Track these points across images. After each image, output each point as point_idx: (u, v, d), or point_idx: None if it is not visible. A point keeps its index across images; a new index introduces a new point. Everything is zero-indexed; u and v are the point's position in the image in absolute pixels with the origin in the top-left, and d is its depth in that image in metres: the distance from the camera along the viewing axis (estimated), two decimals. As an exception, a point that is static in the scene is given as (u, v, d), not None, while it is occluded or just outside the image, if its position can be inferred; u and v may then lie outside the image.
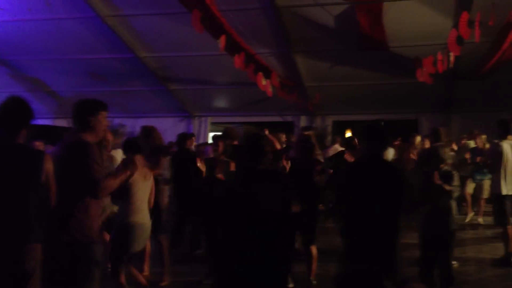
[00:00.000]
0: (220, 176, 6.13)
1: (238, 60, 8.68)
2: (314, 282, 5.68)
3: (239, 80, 11.86)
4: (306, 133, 6.32)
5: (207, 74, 12.51)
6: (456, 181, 4.98)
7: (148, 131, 6.33)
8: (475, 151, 9.46)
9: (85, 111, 3.64)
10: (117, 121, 14.62)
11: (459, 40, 7.11)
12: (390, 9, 8.90)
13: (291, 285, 5.51)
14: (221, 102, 14.69)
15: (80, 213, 3.44)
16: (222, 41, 7.82)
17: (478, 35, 6.63)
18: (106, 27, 10.29)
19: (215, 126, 15.63)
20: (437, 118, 13.45)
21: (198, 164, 6.92)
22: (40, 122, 14.49)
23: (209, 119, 14.95)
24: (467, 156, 9.58)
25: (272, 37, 10.46)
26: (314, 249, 5.66)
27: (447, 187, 4.87)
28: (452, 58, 7.69)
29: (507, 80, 11.34)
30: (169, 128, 14.02)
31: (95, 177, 3.42)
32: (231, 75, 11.78)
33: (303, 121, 14.33)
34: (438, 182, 4.84)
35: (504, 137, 6.79)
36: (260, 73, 9.79)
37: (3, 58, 12.00)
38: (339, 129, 15.03)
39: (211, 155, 6.99)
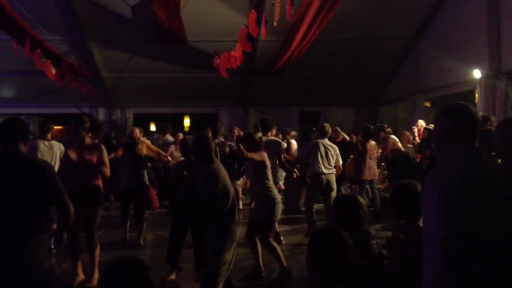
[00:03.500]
0: None
1: (16, 46, 7.86)
2: None
3: (27, 68, 10.79)
4: None
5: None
6: None
7: None
8: None
9: None
10: None
11: (249, 37, 7.39)
12: (187, 3, 8.91)
13: None
14: (7, 91, 13.23)
15: None
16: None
17: (265, 33, 6.95)
18: None
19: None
20: (236, 112, 14.03)
21: None
22: None
23: (-7, 110, 13.40)
24: None
25: (63, 24, 9.76)
26: None
27: None
28: (240, 54, 7.95)
29: (296, 78, 12.31)
30: None
31: None
32: (19, 61, 10.65)
33: (101, 113, 13.71)
34: None
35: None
36: (48, 61, 8.96)
37: None
38: (142, 122, 14.75)
39: None
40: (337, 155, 7.36)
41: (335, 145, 7.52)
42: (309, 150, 7.35)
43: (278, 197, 5.52)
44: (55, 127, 8.31)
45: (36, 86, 12.20)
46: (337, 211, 3.28)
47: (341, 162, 7.50)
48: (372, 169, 8.78)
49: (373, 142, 8.90)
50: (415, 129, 9.81)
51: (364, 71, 12.33)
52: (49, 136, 6.63)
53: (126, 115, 13.84)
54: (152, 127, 21.85)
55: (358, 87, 13.06)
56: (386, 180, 9.86)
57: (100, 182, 5.20)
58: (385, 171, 9.83)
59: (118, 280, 1.90)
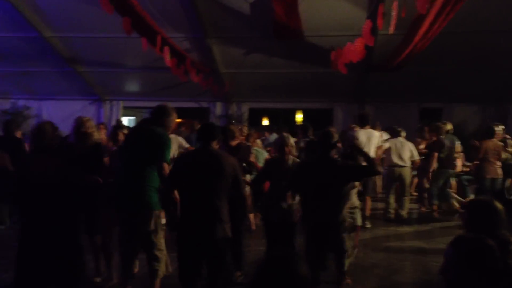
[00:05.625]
0: None
1: (145, 43, 8.33)
2: None
3: (152, 63, 11.44)
4: None
5: (119, 57, 11.95)
6: None
7: None
8: None
9: None
10: (21, 103, 13.79)
11: (373, 31, 7.22)
12: (305, -2, 8.90)
13: None
14: (133, 86, 14.16)
15: None
16: (125, 23, 7.44)
17: (393, 26, 6.73)
18: (8, 4, 9.53)
19: (127, 110, 15.09)
20: (351, 108, 13.78)
21: None
22: None
23: (121, 103, 14.40)
24: None
25: (186, 21, 10.16)
26: None
27: None
28: (362, 48, 7.80)
29: (417, 73, 11.80)
30: (78, 111, 13.35)
31: None
32: (144, 58, 11.32)
33: (219, 108, 14.18)
34: None
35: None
36: (175, 58, 9.51)
37: None
38: (256, 116, 15.03)
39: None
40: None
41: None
42: None
43: None
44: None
45: (158, 81, 12.93)
46: (471, 215, 3.12)
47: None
48: (493, 168, 8.78)
49: (496, 141, 8.90)
50: None
51: (493, 66, 11.47)
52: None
53: (241, 109, 14.20)
54: (265, 122, 22.21)
55: (485, 83, 12.16)
56: None
57: None
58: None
59: (270, 275, 1.96)
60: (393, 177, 9.35)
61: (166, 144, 4.59)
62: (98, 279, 5.59)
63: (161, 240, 4.79)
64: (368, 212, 8.71)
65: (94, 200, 5.22)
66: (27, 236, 4.07)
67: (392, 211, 9.39)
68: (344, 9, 9.68)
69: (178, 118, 16.79)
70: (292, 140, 5.57)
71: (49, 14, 10.18)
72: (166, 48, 8.80)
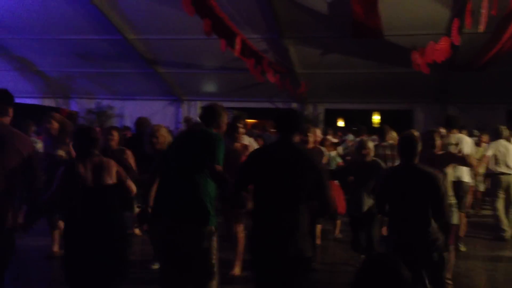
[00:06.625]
0: None
1: (224, 44, 8.44)
2: None
3: (229, 64, 11.64)
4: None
5: (197, 58, 12.24)
6: None
7: None
8: None
9: None
10: (105, 103, 14.43)
11: (460, 29, 6.93)
12: (385, -4, 8.67)
13: None
14: (210, 87, 14.44)
15: None
16: (206, 24, 7.57)
17: (484, 24, 6.41)
18: (94, 8, 9.99)
19: (204, 110, 15.36)
20: (432, 109, 13.30)
21: None
22: (28, 101, 14.30)
23: (199, 103, 14.71)
24: None
25: (263, 22, 10.21)
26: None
27: None
28: (447, 47, 7.51)
29: (504, 73, 11.18)
30: (157, 111, 13.84)
31: None
32: (221, 59, 11.52)
33: (294, 108, 14.14)
34: None
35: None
36: (253, 59, 9.59)
37: (-9, 37, 11.68)
38: (332, 117, 14.86)
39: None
40: None
41: None
42: None
43: None
44: (247, 120, 8.72)
45: (234, 81, 13.11)
46: None
47: None
48: None
49: None
50: None
51: None
52: None
53: (317, 110, 14.09)
54: (340, 123, 21.88)
55: None
56: None
57: None
58: None
59: (374, 277, 1.99)
60: (500, 187, 8.06)
61: (218, 145, 3.95)
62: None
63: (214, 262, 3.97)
64: (463, 232, 7.00)
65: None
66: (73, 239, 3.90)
67: (506, 228, 7.82)
68: (426, 7, 9.36)
69: (252, 119, 17.01)
70: (371, 143, 5.86)
71: (132, 18, 10.60)
72: (245, 49, 8.88)
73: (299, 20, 10.10)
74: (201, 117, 4.28)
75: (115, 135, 6.18)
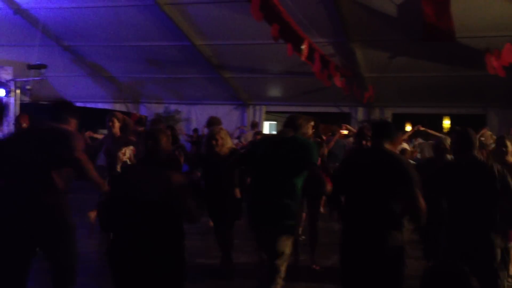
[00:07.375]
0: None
1: (291, 49, 8.41)
2: None
3: (294, 69, 11.61)
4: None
5: (263, 63, 12.30)
6: None
7: None
8: None
9: None
10: (173, 107, 14.80)
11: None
12: (459, -3, 8.37)
13: None
14: (276, 91, 14.50)
15: None
16: (274, 29, 7.57)
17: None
18: (164, 15, 10.24)
19: (270, 115, 15.47)
20: (508, 114, 12.71)
21: None
22: (100, 106, 14.89)
23: (264, 108, 14.78)
24: None
25: (330, 26, 10.09)
26: None
27: None
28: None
29: None
30: (223, 116, 14.00)
31: None
32: (287, 63, 11.53)
33: (360, 113, 13.92)
34: None
35: None
36: (320, 63, 9.52)
37: (66, 44, 12.20)
38: (399, 122, 14.51)
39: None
40: None
41: None
42: None
43: None
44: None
45: (299, 86, 13.07)
46: None
47: None
48: None
49: None
50: None
51: None
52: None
53: (384, 115, 13.78)
54: (408, 127, 21.33)
55: None
56: None
57: None
58: None
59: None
60: None
61: (312, 147, 4.29)
62: None
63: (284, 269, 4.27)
64: None
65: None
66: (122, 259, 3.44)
67: None
68: (501, 7, 8.96)
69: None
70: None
71: (200, 24, 10.78)
72: (312, 53, 8.82)
73: (367, 23, 9.92)
74: (285, 125, 4.57)
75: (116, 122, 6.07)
